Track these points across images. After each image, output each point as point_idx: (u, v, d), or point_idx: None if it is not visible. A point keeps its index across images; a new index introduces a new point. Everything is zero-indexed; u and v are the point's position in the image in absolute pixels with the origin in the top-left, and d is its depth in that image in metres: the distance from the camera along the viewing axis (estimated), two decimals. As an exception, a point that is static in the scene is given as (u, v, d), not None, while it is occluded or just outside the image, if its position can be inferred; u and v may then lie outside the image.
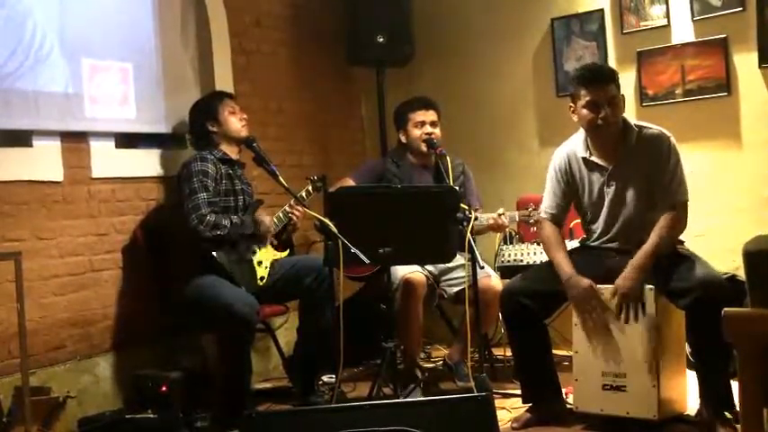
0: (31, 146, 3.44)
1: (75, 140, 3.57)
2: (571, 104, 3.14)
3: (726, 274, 3.18)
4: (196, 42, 4.17)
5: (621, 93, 3.12)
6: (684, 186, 3.04)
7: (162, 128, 3.96)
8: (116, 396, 3.60)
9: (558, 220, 3.26)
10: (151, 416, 3.31)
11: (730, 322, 1.71)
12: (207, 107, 3.70)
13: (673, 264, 2.98)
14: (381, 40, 4.49)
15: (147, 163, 3.89)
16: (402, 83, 4.76)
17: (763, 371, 1.75)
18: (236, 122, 3.67)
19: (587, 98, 3.04)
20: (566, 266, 3.09)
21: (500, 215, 3.66)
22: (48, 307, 3.42)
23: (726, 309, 1.73)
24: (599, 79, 3.06)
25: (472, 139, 4.65)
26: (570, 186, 3.24)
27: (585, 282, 3.03)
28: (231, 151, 3.66)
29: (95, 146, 3.65)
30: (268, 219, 3.62)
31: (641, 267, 2.96)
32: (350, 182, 3.94)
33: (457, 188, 3.53)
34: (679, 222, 3.02)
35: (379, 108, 4.73)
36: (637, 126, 3.12)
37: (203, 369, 3.65)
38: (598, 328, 3.03)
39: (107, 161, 3.70)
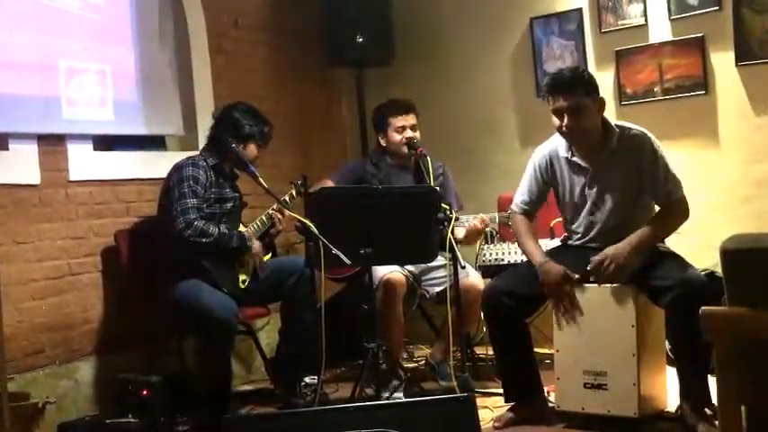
0: (7, 149, 3.40)
1: (52, 143, 3.54)
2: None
3: (704, 270, 3.21)
4: (174, 43, 4.14)
5: (600, 97, 3.10)
6: (678, 182, 3.07)
7: (140, 130, 3.94)
8: (96, 401, 3.57)
9: (529, 214, 3.30)
10: (132, 420, 3.29)
11: (708, 321, 1.73)
12: (258, 135, 3.61)
13: (652, 262, 3.00)
14: (361, 40, 4.48)
15: (125, 165, 3.86)
16: (382, 83, 4.75)
17: (740, 368, 1.76)
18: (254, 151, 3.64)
19: (551, 106, 3.08)
20: (537, 254, 3.14)
21: (477, 218, 3.66)
22: (26, 311, 3.38)
23: (704, 308, 1.74)
24: (557, 88, 3.08)
25: (452, 139, 4.66)
26: (548, 185, 3.26)
27: (558, 267, 3.06)
28: (226, 165, 3.63)
29: (73, 148, 3.62)
30: (258, 244, 3.59)
31: (637, 245, 2.96)
32: (329, 183, 3.92)
33: (437, 188, 3.53)
34: (678, 217, 3.07)
35: (359, 108, 4.73)
36: (618, 127, 3.13)
37: (184, 373, 3.62)
38: (572, 317, 3.05)
39: (85, 164, 3.66)
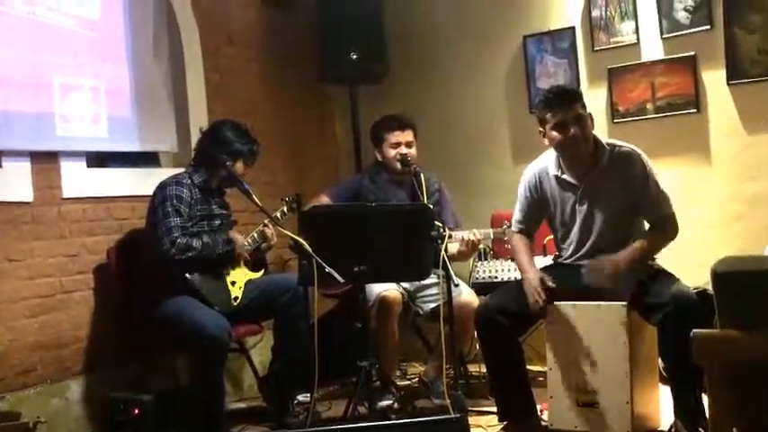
0: (0, 166, 3.39)
1: (45, 160, 3.52)
2: (540, 129, 3.18)
3: (696, 288, 3.21)
4: (169, 59, 4.14)
5: (589, 112, 3.16)
6: (667, 199, 3.11)
7: (134, 146, 3.93)
8: (88, 420, 3.54)
9: (526, 233, 3.34)
10: (124, 439, 3.28)
11: (699, 343, 1.74)
12: (247, 152, 3.62)
13: (645, 280, 3.00)
14: (355, 57, 4.48)
15: (118, 182, 3.85)
16: (376, 100, 4.76)
17: (732, 390, 1.77)
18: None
19: (554, 120, 3.09)
20: (527, 266, 3.20)
21: (474, 234, 3.66)
22: (17, 330, 3.36)
23: (695, 330, 1.75)
24: (562, 100, 3.11)
25: (446, 155, 4.66)
26: (540, 203, 3.28)
27: (537, 274, 3.13)
28: (213, 182, 3.63)
29: (66, 165, 3.61)
30: (241, 237, 3.60)
31: (630, 259, 3.01)
32: (325, 198, 3.93)
33: (431, 206, 3.53)
34: (668, 234, 3.10)
35: (352, 125, 4.74)
36: (608, 145, 3.16)
37: (177, 391, 3.60)
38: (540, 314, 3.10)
39: (78, 181, 3.65)
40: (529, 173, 3.30)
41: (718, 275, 1.71)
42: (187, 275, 3.39)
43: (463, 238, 3.66)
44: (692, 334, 1.74)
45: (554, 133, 3.10)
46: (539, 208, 3.29)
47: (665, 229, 3.10)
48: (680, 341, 2.64)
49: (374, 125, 4.04)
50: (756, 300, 1.68)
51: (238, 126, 3.67)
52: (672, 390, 2.99)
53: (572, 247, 3.22)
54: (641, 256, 3.05)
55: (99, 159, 3.84)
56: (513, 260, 3.83)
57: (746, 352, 1.70)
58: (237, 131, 3.63)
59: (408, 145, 3.92)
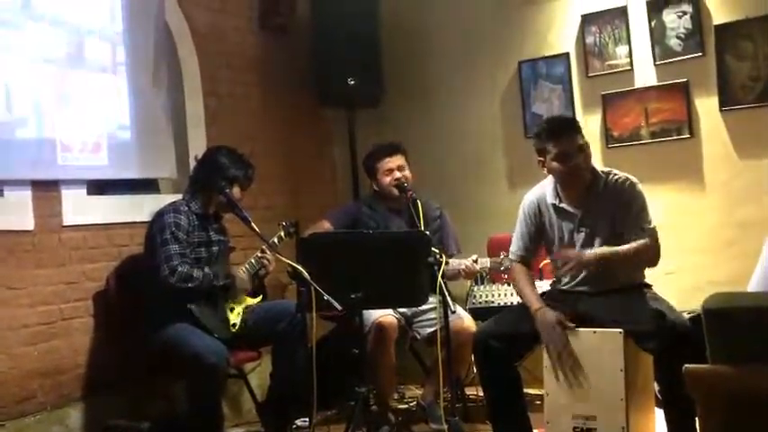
0: (1, 195, 3.41)
1: (46, 189, 3.55)
2: (540, 159, 3.19)
3: (691, 312, 3.24)
4: (167, 86, 4.18)
5: (586, 140, 3.20)
6: (648, 229, 3.08)
7: (134, 173, 3.96)
8: (87, 446, 3.55)
9: (526, 261, 3.34)
10: (123, 467, 3.28)
11: (691, 378, 1.77)
12: (242, 177, 3.67)
13: (640, 308, 3.03)
14: (352, 81, 4.52)
15: (118, 209, 3.87)
16: (373, 124, 4.81)
17: (724, 422, 1.80)
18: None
19: (556, 150, 3.10)
20: (534, 299, 3.17)
21: (474, 261, 3.69)
22: (17, 357, 3.38)
23: (687, 365, 1.78)
24: (565, 131, 3.13)
25: (442, 179, 4.70)
26: (539, 231, 3.30)
27: (553, 313, 3.09)
28: (210, 208, 3.67)
29: (67, 193, 3.63)
30: (242, 274, 3.62)
31: (605, 255, 3.03)
32: (326, 224, 3.96)
33: (427, 233, 3.56)
34: (651, 249, 3.06)
35: (350, 148, 4.77)
36: (604, 173, 3.20)
37: (175, 417, 3.61)
38: (566, 363, 3.07)
39: (78, 208, 3.68)
40: (527, 200, 3.33)
41: (709, 312, 1.74)
42: (194, 310, 3.41)
43: (460, 272, 3.69)
44: (684, 369, 1.78)
45: (555, 164, 3.11)
46: (538, 236, 3.30)
47: (647, 242, 3.05)
48: (675, 370, 2.66)
49: (366, 157, 4.09)
50: (746, 335, 1.72)
51: (233, 151, 3.72)
52: (666, 417, 3.01)
53: (570, 274, 3.24)
54: (613, 254, 3.02)
55: (99, 186, 3.87)
56: (509, 285, 3.88)
57: (738, 386, 1.73)
58: (232, 157, 3.68)
59: (401, 169, 3.95)
